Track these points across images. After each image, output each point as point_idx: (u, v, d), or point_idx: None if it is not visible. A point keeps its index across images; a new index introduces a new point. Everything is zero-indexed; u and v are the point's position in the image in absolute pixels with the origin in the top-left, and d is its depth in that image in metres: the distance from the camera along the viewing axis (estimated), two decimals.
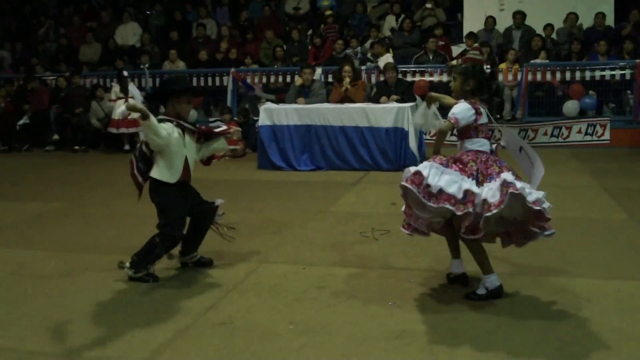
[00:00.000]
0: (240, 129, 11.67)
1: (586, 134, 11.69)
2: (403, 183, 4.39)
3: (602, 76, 11.95)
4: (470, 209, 4.21)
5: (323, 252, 5.61)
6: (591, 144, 11.59)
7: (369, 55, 13.14)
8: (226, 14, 16.00)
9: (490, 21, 13.59)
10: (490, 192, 4.24)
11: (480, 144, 4.60)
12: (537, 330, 3.89)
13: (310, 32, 14.86)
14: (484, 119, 4.59)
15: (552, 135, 11.69)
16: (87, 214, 7.42)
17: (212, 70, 13.81)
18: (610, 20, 13.40)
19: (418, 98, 9.50)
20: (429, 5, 14.21)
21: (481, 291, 4.48)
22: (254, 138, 11.27)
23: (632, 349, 3.63)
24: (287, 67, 13.39)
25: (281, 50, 13.61)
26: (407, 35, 13.70)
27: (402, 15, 14.22)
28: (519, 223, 4.43)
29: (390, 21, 14.45)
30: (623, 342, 3.72)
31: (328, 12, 14.75)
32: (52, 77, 14.45)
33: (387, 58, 12.55)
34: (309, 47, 13.96)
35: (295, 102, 10.53)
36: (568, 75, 11.99)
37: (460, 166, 4.42)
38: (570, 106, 11.83)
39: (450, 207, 4.22)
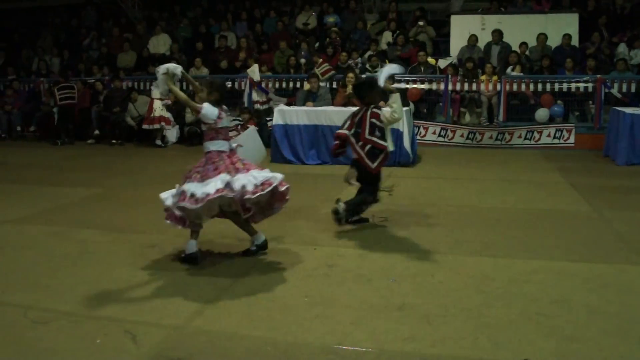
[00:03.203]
0: (256, 127, 11.70)
1: (554, 137, 11.67)
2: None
3: (569, 88, 11.94)
4: (231, 194, 4.49)
5: (331, 235, 5.60)
6: (558, 146, 11.57)
7: (367, 65, 13.08)
8: (244, 28, 15.93)
9: (473, 38, 13.55)
10: (245, 180, 4.55)
11: (220, 145, 4.75)
12: (518, 305, 3.90)
13: (317, 44, 14.80)
14: (224, 124, 4.79)
15: (525, 138, 11.65)
16: (124, 198, 7.42)
17: (231, 76, 13.78)
18: (575, 41, 13.38)
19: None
20: (421, 23, 14.15)
21: (253, 248, 4.96)
22: (267, 136, 11.25)
23: (599, 321, 3.64)
24: (297, 74, 13.35)
25: (294, 60, 13.56)
26: (400, 49, 13.66)
27: (397, 32, 14.18)
28: (262, 205, 4.87)
29: (387, 36, 14.40)
30: (592, 315, 3.74)
31: (333, 28, 14.68)
32: (94, 80, 14.39)
33: (253, 69, 13.06)
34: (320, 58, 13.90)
35: (305, 105, 10.51)
36: (540, 87, 12.00)
37: (214, 169, 4.62)
38: (541, 113, 11.82)
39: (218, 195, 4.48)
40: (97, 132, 13.55)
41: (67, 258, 4.98)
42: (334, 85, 12.26)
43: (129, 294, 4.16)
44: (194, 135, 12.73)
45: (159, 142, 12.62)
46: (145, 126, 12.56)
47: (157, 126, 12.53)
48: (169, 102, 12.83)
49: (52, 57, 16.49)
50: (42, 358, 3.25)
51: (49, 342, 3.41)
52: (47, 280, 4.43)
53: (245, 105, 12.99)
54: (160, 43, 15.71)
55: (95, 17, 18.32)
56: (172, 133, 12.90)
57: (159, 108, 12.58)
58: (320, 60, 12.92)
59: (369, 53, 13.41)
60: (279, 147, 10.05)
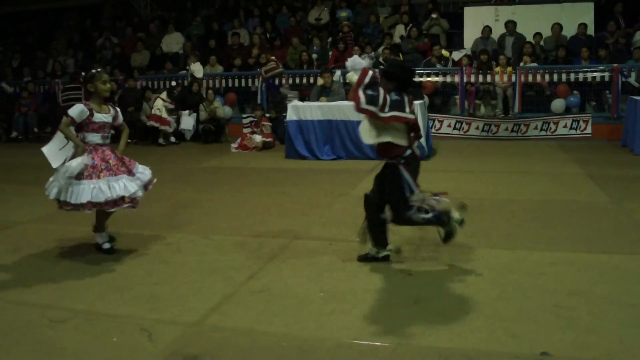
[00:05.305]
0: (271, 123, 11.73)
1: (571, 128, 11.57)
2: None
3: (585, 78, 11.83)
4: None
5: (346, 229, 5.56)
6: (575, 137, 11.47)
7: (380, 59, 13.04)
8: (257, 24, 15.95)
9: (487, 30, 13.46)
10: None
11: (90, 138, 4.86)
12: (535, 297, 3.86)
13: (330, 39, 14.78)
14: (97, 118, 4.85)
15: (541, 130, 11.57)
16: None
17: (245, 73, 13.82)
18: (591, 30, 13.24)
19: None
20: (434, 16, 14.08)
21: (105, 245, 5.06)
22: (283, 132, 11.26)
23: (618, 313, 3.59)
24: (310, 70, 13.37)
25: (307, 55, 13.56)
26: (414, 42, 13.61)
27: (410, 25, 14.12)
28: None
29: (400, 30, 14.35)
30: (611, 307, 3.69)
31: (346, 22, 14.66)
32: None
33: (197, 66, 13.77)
34: (329, 52, 13.90)
35: (318, 100, 10.50)
36: (555, 77, 11.90)
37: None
38: (557, 104, 11.72)
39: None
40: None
41: (83, 257, 5.02)
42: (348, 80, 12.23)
43: (145, 291, 4.17)
44: (209, 132, 12.79)
45: (161, 141, 12.72)
46: (148, 123, 12.67)
47: (152, 124, 12.61)
48: (172, 106, 12.87)
49: (66, 59, 16.61)
50: (59, 356, 3.28)
51: (66, 341, 3.44)
52: (63, 280, 4.46)
53: (258, 101, 13.03)
54: (173, 42, 15.79)
55: (107, 17, 18.43)
56: (188, 121, 12.93)
57: (156, 107, 12.66)
58: (272, 58, 13.30)
59: (382, 47, 13.37)
60: (293, 143, 10.05)
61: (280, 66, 13.32)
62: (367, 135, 4.43)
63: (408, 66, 4.88)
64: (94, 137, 4.86)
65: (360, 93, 4.23)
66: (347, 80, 4.36)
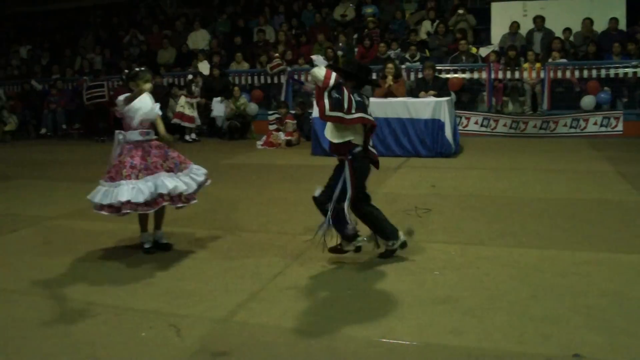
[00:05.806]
0: (295, 121, 11.73)
1: (601, 125, 11.38)
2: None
3: (616, 74, 11.62)
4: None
5: None
6: (606, 134, 11.28)
7: (406, 55, 12.97)
8: (282, 21, 15.95)
9: (515, 25, 13.30)
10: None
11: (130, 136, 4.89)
12: (567, 298, 3.80)
13: (355, 35, 14.73)
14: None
15: (571, 127, 11.39)
16: None
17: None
18: (622, 25, 12.99)
19: None
20: (461, 11, 13.94)
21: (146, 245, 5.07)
22: (308, 128, 11.25)
23: None
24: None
25: (332, 52, 13.52)
26: (441, 38, 13.50)
27: (437, 21, 14.01)
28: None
29: (427, 26, 14.24)
30: None
31: (371, 18, 14.59)
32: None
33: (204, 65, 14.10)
34: (355, 49, 13.84)
35: None
36: (585, 73, 11.70)
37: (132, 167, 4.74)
38: (587, 101, 11.54)
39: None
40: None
41: (112, 252, 5.08)
42: (373, 77, 12.20)
43: (173, 287, 4.21)
44: (235, 129, 12.83)
45: (187, 137, 12.81)
46: (172, 120, 12.76)
47: (175, 121, 12.68)
48: (195, 100, 12.94)
49: (93, 56, 16.80)
50: (88, 350, 3.31)
51: (95, 335, 3.48)
52: (93, 275, 4.52)
53: (282, 98, 13.05)
54: (199, 39, 15.86)
55: (140, 14, 18.58)
56: (219, 107, 12.98)
57: (179, 104, 12.74)
58: (277, 55, 13.45)
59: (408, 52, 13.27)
60: (319, 139, 10.01)
61: (284, 63, 13.38)
62: (333, 135, 4.52)
63: (365, 65, 5.07)
64: (132, 135, 4.88)
65: (325, 98, 4.27)
66: (310, 78, 4.43)
